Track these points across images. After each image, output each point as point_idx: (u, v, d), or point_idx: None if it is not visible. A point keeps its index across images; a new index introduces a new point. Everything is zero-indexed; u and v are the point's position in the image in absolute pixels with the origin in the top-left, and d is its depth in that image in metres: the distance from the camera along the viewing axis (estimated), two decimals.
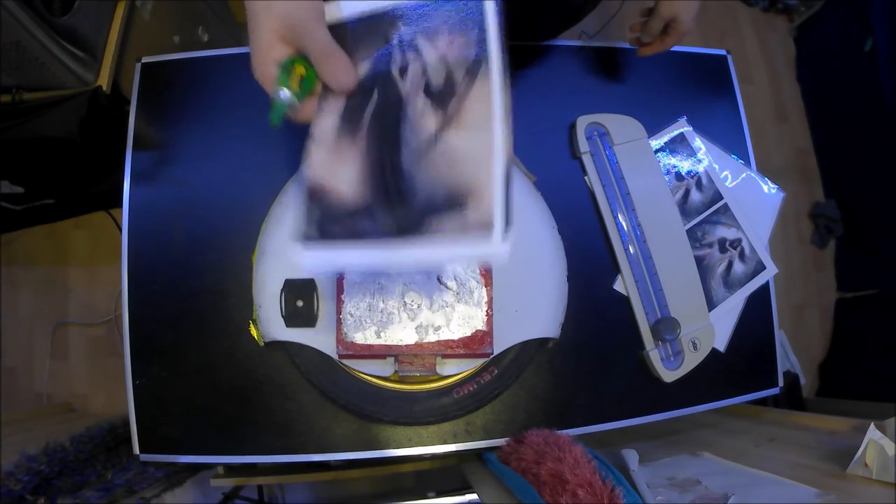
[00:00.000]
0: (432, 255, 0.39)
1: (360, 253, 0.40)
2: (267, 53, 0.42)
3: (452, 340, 0.57)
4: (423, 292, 0.58)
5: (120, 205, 0.65)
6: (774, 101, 1.73)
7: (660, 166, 0.71)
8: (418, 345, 0.57)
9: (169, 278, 0.64)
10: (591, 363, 0.67)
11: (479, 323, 0.58)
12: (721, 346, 0.70)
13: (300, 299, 0.60)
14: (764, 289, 0.73)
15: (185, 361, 0.63)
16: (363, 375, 0.61)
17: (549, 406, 0.65)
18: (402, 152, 0.41)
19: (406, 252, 0.39)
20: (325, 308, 0.60)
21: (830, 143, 1.68)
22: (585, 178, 0.71)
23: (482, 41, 0.43)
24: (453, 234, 0.39)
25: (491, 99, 0.42)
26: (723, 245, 0.72)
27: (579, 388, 0.66)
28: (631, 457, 0.60)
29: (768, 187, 0.76)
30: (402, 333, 0.57)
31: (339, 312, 0.57)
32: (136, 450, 0.61)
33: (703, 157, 0.74)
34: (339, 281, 0.57)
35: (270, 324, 0.60)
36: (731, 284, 0.71)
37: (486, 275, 0.58)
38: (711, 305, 0.70)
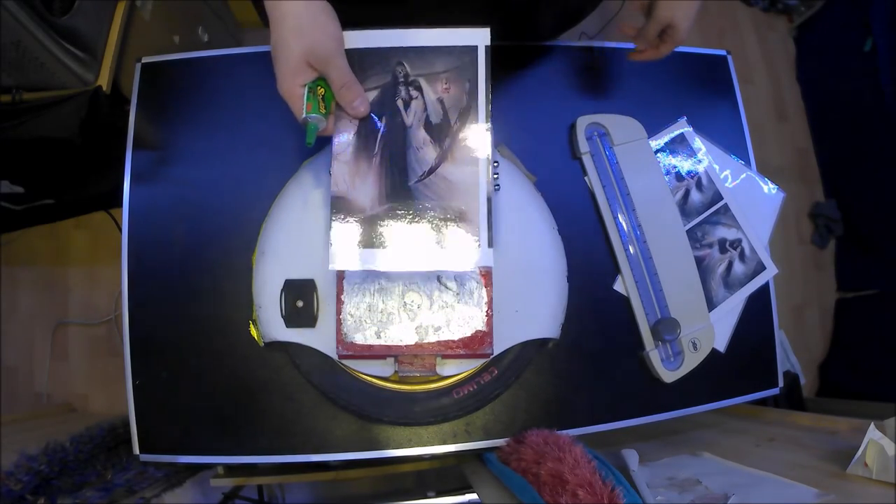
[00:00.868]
0: (432, 263, 0.51)
1: (376, 256, 0.51)
2: (294, 76, 0.48)
3: (452, 341, 0.57)
4: (423, 293, 0.58)
5: (120, 205, 0.65)
6: (774, 101, 1.73)
7: (660, 166, 0.71)
8: (418, 345, 0.57)
9: (169, 278, 0.64)
10: (592, 363, 0.67)
11: (478, 323, 0.58)
12: (721, 346, 0.70)
13: (300, 299, 0.60)
14: (764, 289, 0.73)
15: (185, 361, 0.63)
16: (363, 376, 0.61)
17: (549, 406, 0.65)
18: (409, 176, 0.52)
19: (410, 259, 0.51)
20: (325, 308, 0.60)
21: (830, 143, 1.68)
22: (585, 178, 0.71)
23: (473, 91, 0.52)
24: (449, 247, 0.51)
25: (477, 141, 0.52)
26: (723, 245, 0.72)
27: (579, 388, 0.66)
28: (631, 457, 0.60)
29: (768, 187, 0.76)
30: (402, 334, 0.57)
31: (339, 313, 0.57)
32: (136, 450, 0.61)
33: (703, 157, 0.74)
34: (339, 281, 0.57)
35: (270, 324, 0.60)
36: (731, 285, 0.71)
37: (486, 275, 0.58)
38: (711, 306, 0.70)
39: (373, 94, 0.52)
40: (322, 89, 0.49)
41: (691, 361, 0.67)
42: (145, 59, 0.69)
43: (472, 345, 0.57)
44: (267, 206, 0.65)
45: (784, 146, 1.70)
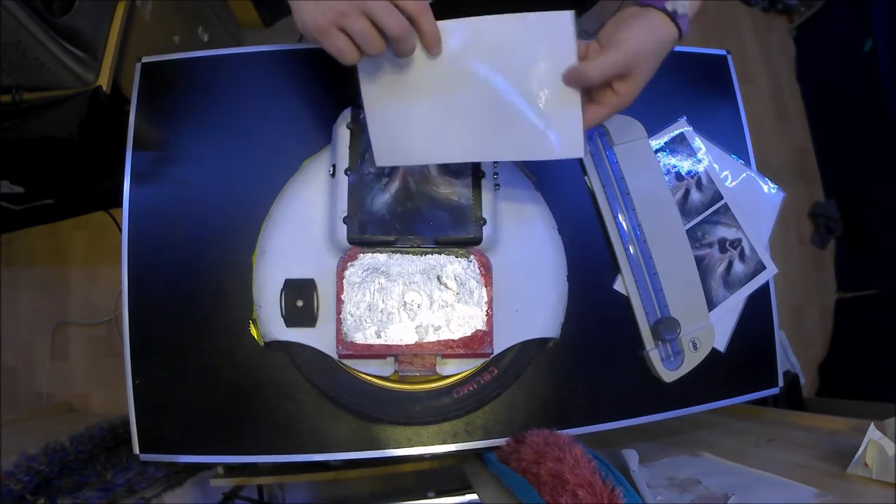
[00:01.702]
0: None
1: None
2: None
3: (452, 340, 0.57)
4: (423, 292, 0.58)
5: (120, 205, 0.65)
6: (774, 100, 1.73)
7: (660, 166, 0.71)
8: (418, 345, 0.57)
9: (169, 278, 0.64)
10: (591, 363, 0.67)
11: (478, 323, 0.58)
12: (721, 346, 0.70)
13: (300, 299, 0.60)
14: (764, 289, 0.73)
15: (185, 361, 0.63)
16: (363, 375, 0.61)
17: (549, 406, 0.65)
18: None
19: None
20: (325, 308, 0.60)
21: (830, 143, 1.68)
22: (585, 178, 0.71)
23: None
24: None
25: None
26: (723, 245, 0.72)
27: (579, 388, 0.66)
28: (631, 457, 0.60)
29: (768, 187, 0.76)
30: (402, 333, 0.57)
31: (339, 312, 0.57)
32: (136, 450, 0.61)
33: (703, 157, 0.74)
34: (340, 281, 0.57)
35: (270, 324, 0.60)
36: (731, 284, 0.71)
37: (486, 275, 0.58)
38: (711, 305, 0.70)
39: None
40: None
41: (691, 361, 0.67)
42: (145, 59, 0.69)
43: (472, 344, 0.57)
44: (267, 205, 0.65)
45: (784, 146, 1.70)
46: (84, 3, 0.78)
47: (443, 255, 0.58)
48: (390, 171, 0.59)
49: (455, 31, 0.46)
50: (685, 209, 0.72)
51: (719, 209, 0.73)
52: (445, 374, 0.61)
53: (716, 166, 0.74)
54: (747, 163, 0.76)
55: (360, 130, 0.60)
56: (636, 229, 0.69)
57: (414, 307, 0.58)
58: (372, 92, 0.49)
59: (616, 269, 0.69)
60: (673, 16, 0.48)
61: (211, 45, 1.25)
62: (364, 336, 0.57)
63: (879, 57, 1.44)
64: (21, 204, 0.99)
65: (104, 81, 0.82)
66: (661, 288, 0.67)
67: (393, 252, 0.58)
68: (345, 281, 0.57)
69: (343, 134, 0.60)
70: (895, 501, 0.49)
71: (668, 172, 0.73)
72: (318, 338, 0.60)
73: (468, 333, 0.57)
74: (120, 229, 0.65)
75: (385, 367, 0.60)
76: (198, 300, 0.64)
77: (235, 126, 0.67)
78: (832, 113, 1.66)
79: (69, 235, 1.45)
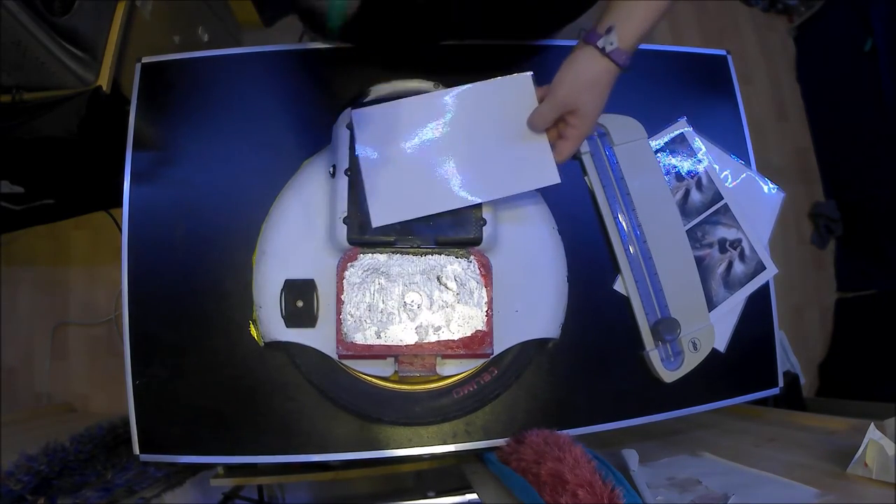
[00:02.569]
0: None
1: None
2: None
3: (452, 341, 0.57)
4: (423, 293, 0.58)
5: (120, 205, 0.65)
6: (774, 101, 1.73)
7: (660, 166, 0.71)
8: (418, 345, 0.57)
9: (169, 278, 0.64)
10: (591, 363, 0.67)
11: (478, 323, 0.58)
12: (721, 346, 0.70)
13: (300, 299, 0.60)
14: (764, 289, 0.73)
15: (185, 361, 0.63)
16: (363, 376, 0.61)
17: (549, 406, 0.65)
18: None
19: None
20: (325, 308, 0.60)
21: (830, 143, 1.68)
22: (585, 178, 0.71)
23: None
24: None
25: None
26: (723, 245, 0.72)
27: (579, 388, 0.66)
28: (631, 457, 0.60)
29: (768, 187, 0.76)
30: (402, 334, 0.57)
31: (339, 313, 0.57)
32: (136, 450, 0.61)
33: (703, 157, 0.74)
34: (340, 281, 0.57)
35: (270, 324, 0.60)
36: (731, 285, 0.71)
37: (486, 275, 0.58)
38: (711, 305, 0.70)
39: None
40: None
41: (691, 361, 0.67)
42: (145, 59, 0.69)
43: (472, 345, 0.57)
44: (267, 206, 0.65)
45: (784, 146, 1.70)
46: (84, 3, 0.78)
47: (443, 256, 0.58)
48: None
49: (440, 99, 0.59)
50: (685, 209, 0.72)
51: (719, 209, 0.73)
52: (445, 374, 0.61)
53: (716, 166, 0.74)
54: (747, 163, 0.76)
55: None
56: (636, 229, 0.69)
57: (414, 308, 0.58)
58: (368, 164, 0.58)
59: (616, 270, 0.69)
60: (603, 52, 0.51)
61: (211, 45, 1.25)
62: (364, 336, 0.57)
63: (879, 57, 1.44)
64: (21, 204, 0.99)
65: (104, 81, 0.82)
66: (661, 288, 0.67)
67: (393, 252, 0.58)
68: (345, 281, 0.57)
69: (343, 134, 0.60)
70: (895, 501, 0.49)
71: (668, 173, 0.73)
72: (318, 338, 0.60)
73: (468, 334, 0.57)
74: (120, 229, 0.65)
75: (385, 368, 0.60)
76: (198, 300, 0.64)
77: (235, 126, 0.67)
78: (832, 113, 1.66)
79: (69, 235, 1.45)
